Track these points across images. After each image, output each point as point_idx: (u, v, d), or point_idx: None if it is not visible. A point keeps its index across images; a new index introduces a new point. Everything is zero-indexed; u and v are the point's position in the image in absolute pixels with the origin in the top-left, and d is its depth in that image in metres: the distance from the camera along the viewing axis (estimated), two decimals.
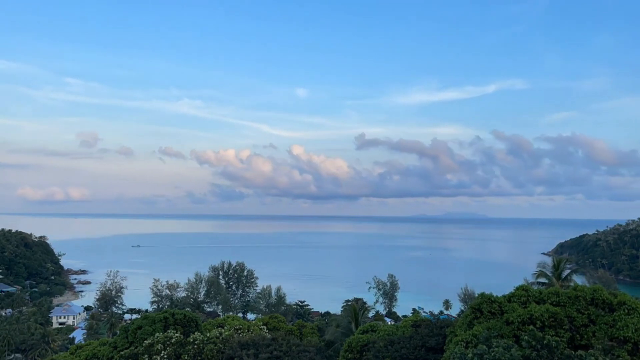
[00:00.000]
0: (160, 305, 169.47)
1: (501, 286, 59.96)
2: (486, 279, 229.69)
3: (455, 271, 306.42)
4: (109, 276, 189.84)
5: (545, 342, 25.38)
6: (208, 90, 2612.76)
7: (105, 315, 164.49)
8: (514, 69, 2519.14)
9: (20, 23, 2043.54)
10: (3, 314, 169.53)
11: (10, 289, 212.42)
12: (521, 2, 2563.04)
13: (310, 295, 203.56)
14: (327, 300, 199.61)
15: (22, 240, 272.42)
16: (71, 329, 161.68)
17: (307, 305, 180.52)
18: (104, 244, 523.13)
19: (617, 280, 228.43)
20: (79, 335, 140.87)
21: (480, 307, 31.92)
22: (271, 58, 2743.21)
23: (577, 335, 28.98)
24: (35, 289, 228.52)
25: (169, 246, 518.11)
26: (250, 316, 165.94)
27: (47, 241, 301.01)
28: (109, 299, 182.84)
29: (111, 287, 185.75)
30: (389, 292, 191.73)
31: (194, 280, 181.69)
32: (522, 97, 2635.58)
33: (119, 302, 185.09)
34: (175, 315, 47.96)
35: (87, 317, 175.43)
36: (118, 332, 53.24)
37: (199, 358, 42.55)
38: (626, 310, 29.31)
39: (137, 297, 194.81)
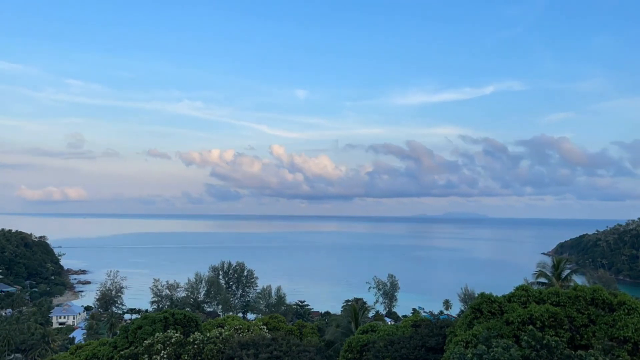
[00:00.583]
0: (160, 305, 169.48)
1: (501, 286, 59.90)
2: (485, 278, 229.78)
3: (455, 271, 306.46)
4: (109, 276, 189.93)
5: (545, 342, 25.37)
6: (208, 91, 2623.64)
7: (105, 315, 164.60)
8: (511, 71, 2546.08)
9: (21, 25, 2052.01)
10: (3, 314, 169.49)
11: (10, 289, 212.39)
12: (518, 4, 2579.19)
13: (310, 295, 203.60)
14: (327, 300, 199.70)
15: (22, 240, 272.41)
16: (71, 329, 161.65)
17: (307, 305, 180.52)
18: (104, 244, 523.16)
19: (617, 280, 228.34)
20: (79, 335, 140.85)
21: (480, 307, 31.90)
22: (271, 59, 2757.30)
23: (577, 335, 28.97)
24: (35, 289, 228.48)
25: (168, 246, 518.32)
26: (250, 316, 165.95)
27: (47, 241, 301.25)
28: (109, 299, 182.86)
29: (111, 287, 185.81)
30: (389, 292, 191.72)
31: (194, 280, 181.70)
32: (519, 99, 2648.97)
33: (119, 302, 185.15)
34: (175, 315, 47.95)
35: (87, 317, 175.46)
36: (118, 332, 53.25)
37: (199, 358, 42.54)
38: (626, 310, 29.29)
39: (137, 297, 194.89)
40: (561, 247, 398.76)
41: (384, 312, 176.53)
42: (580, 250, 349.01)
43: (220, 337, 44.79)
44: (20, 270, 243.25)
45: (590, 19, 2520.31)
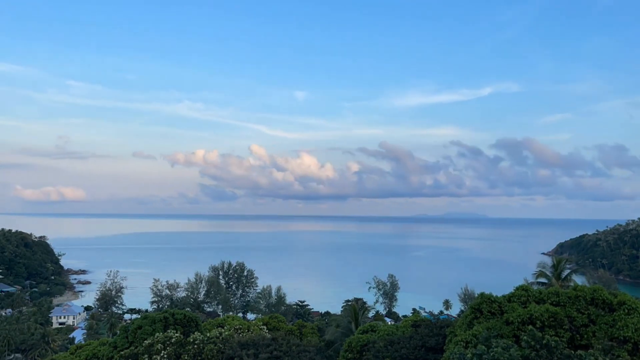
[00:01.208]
0: (160, 305, 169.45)
1: (501, 286, 59.90)
2: (485, 278, 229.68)
3: (455, 271, 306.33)
4: (109, 276, 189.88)
5: (545, 342, 25.36)
6: (208, 92, 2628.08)
7: (105, 315, 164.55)
8: (508, 72, 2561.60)
9: (22, 27, 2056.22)
10: (3, 314, 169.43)
11: (10, 289, 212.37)
12: (514, 8, 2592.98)
13: (310, 295, 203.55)
14: (327, 300, 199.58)
15: (22, 240, 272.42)
16: (71, 329, 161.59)
17: (307, 305, 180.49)
18: (103, 244, 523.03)
19: (617, 280, 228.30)
20: (79, 335, 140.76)
21: (480, 307, 31.90)
22: (271, 60, 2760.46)
23: (577, 335, 28.96)
24: (35, 289, 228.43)
25: (167, 246, 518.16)
26: (250, 316, 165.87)
27: (47, 241, 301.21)
28: (109, 299, 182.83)
29: (111, 287, 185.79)
30: (389, 292, 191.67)
31: (194, 280, 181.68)
32: (516, 100, 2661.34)
33: (119, 302, 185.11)
34: (175, 315, 47.93)
35: (87, 317, 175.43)
36: (118, 332, 53.21)
37: (199, 358, 42.53)
38: (626, 310, 29.29)
39: (137, 297, 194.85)
40: (561, 247, 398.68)
41: (384, 312, 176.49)
42: (580, 250, 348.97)
43: (220, 337, 44.78)
44: (20, 270, 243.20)
45: (585, 21, 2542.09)
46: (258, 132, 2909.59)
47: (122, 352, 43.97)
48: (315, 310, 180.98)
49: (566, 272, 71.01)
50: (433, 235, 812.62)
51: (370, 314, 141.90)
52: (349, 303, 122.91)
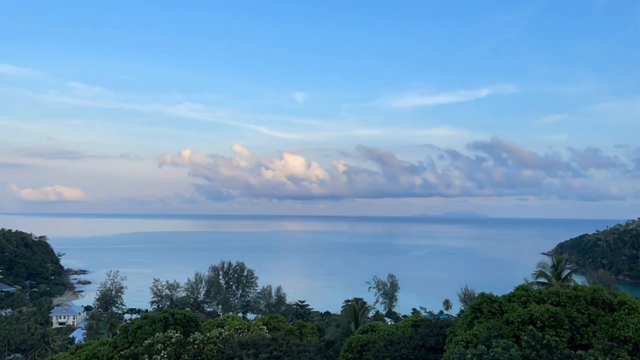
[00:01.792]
0: (160, 305, 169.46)
1: (501, 286, 59.90)
2: (485, 278, 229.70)
3: (455, 271, 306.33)
4: (109, 276, 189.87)
5: (545, 342, 25.36)
6: (209, 93, 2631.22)
7: (105, 315, 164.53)
8: (505, 74, 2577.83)
9: (23, 28, 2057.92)
10: (3, 314, 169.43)
11: (10, 289, 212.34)
12: (510, 11, 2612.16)
13: (310, 295, 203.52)
14: (327, 300, 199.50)
15: (22, 240, 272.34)
16: (71, 329, 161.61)
17: (307, 305, 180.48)
18: (103, 244, 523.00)
19: (617, 280, 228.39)
20: (79, 335, 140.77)
21: (480, 307, 31.89)
22: (270, 61, 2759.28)
23: (577, 335, 28.95)
24: (35, 289, 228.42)
25: (167, 246, 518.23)
26: (250, 316, 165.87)
27: (47, 241, 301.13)
28: (109, 299, 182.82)
29: (111, 287, 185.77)
30: (389, 292, 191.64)
31: (194, 280, 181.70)
32: (513, 101, 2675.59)
33: (119, 302, 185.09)
34: (175, 315, 47.92)
35: (87, 317, 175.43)
36: (118, 332, 53.20)
37: (199, 358, 42.52)
38: (626, 310, 29.28)
39: (137, 297, 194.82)
40: (561, 247, 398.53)
41: (384, 312, 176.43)
42: (580, 250, 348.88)
43: (220, 337, 44.77)
44: (20, 270, 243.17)
45: (581, 23, 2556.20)
46: (258, 132, 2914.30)
47: (122, 352, 43.96)
48: (315, 310, 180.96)
49: (566, 272, 70.95)
50: (433, 235, 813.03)
51: (370, 314, 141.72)
52: (349, 303, 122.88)
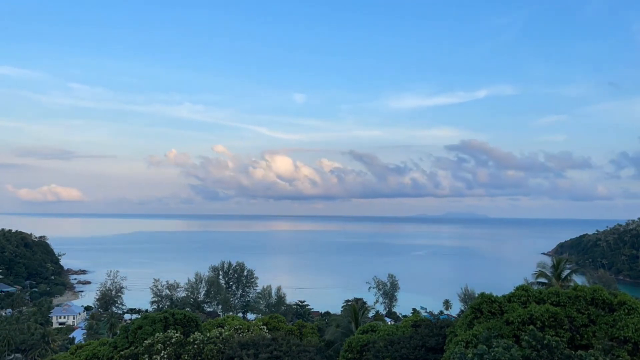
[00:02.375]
0: (160, 305, 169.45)
1: (501, 286, 59.97)
2: (485, 278, 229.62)
3: (455, 271, 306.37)
4: (109, 276, 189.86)
5: (545, 342, 25.37)
6: (209, 94, 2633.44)
7: (105, 315, 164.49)
8: (503, 75, 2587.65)
9: (25, 30, 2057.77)
10: (3, 314, 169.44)
11: (10, 289, 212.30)
12: (507, 13, 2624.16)
13: (310, 295, 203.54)
14: (327, 300, 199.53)
15: (22, 240, 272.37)
16: (71, 329, 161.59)
17: (307, 305, 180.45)
18: (103, 244, 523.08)
19: (617, 280, 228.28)
20: (79, 335, 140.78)
21: (481, 307, 31.91)
22: (270, 62, 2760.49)
23: (577, 335, 28.96)
24: (35, 289, 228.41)
25: (167, 246, 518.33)
26: (250, 316, 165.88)
27: (47, 241, 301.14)
28: (109, 299, 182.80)
29: (111, 287, 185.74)
30: (389, 292, 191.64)
31: (194, 280, 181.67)
32: (512, 102, 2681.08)
33: (119, 302, 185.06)
34: (175, 315, 47.92)
35: (87, 317, 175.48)
36: (118, 332, 53.21)
37: (199, 358, 42.52)
38: (626, 310, 29.29)
39: (137, 297, 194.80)
40: (561, 247, 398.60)
41: (384, 312, 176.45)
42: (580, 250, 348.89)
43: (220, 337, 44.77)
44: (20, 270, 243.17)
45: (577, 24, 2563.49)
46: (259, 133, 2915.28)
47: (122, 352, 43.96)
48: (315, 310, 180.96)
49: (566, 272, 70.99)
50: (433, 235, 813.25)
51: (370, 314, 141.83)
52: (349, 303, 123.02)
